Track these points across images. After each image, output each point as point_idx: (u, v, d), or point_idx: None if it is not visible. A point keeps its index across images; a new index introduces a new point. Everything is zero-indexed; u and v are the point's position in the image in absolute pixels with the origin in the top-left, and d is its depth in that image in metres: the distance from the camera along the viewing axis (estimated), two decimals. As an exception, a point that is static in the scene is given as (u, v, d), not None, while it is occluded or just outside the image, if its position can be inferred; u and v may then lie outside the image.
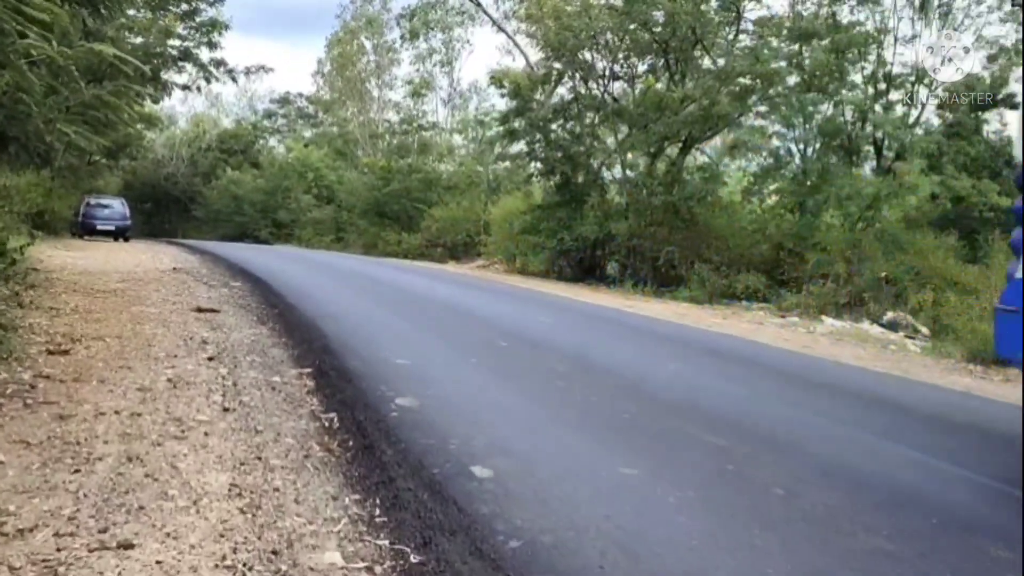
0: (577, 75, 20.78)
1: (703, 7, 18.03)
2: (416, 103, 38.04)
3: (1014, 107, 18.79)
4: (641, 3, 17.64)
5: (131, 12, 21.29)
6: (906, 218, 17.85)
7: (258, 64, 37.63)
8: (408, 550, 2.99)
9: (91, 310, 8.01)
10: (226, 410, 4.77)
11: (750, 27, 18.97)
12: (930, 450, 4.69)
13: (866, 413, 5.90)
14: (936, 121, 19.82)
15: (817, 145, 18.22)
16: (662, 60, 19.37)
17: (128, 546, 2.89)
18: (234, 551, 2.92)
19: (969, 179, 18.19)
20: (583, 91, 20.87)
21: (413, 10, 34.95)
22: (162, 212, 44.57)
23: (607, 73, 20.34)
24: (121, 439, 4.07)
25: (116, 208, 26.82)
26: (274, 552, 2.94)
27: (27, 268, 10.30)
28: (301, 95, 48.70)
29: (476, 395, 5.45)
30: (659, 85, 19.75)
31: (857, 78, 17.81)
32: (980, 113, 20.04)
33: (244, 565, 2.81)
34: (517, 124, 21.48)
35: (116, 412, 4.53)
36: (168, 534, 3.02)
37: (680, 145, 19.16)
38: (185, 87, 26.64)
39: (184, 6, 23.29)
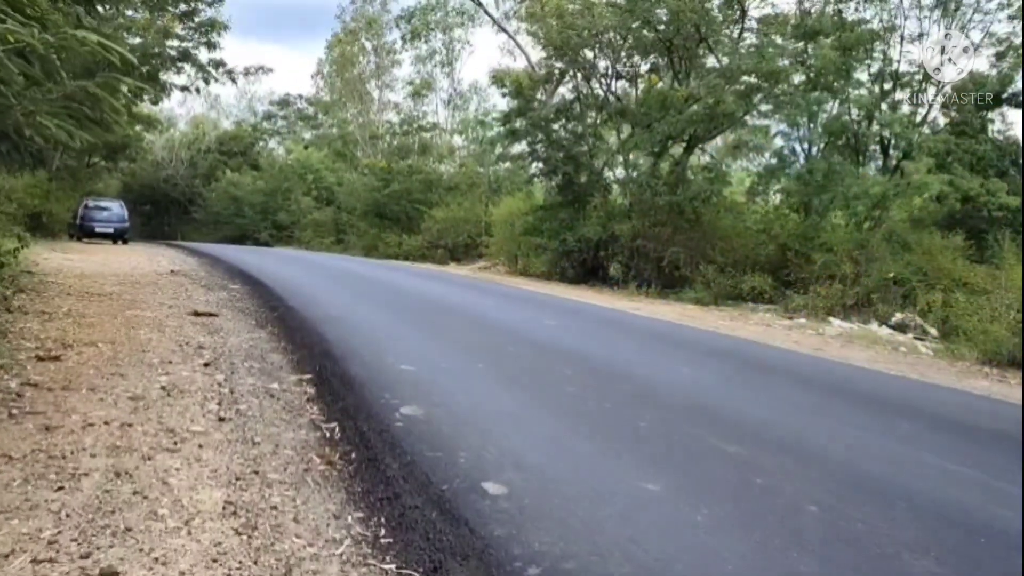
0: (579, 74, 20.56)
1: (707, 4, 17.79)
2: (416, 104, 37.85)
3: (1018, 106, 18.58)
4: (645, 1, 17.40)
5: (129, 12, 21.07)
6: (911, 218, 17.62)
7: (257, 65, 37.30)
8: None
9: (85, 314, 7.77)
10: (222, 420, 4.54)
11: (754, 25, 18.74)
12: (963, 460, 4.45)
13: (890, 420, 5.66)
14: (942, 120, 19.59)
15: (822, 144, 17.99)
16: (665, 59, 19.12)
17: (112, 574, 2.65)
18: (227, 578, 2.69)
19: (976, 178, 17.94)
20: (585, 90, 20.64)
21: (412, 11, 34.76)
22: (162, 214, 44.36)
23: (610, 72, 20.12)
24: (109, 452, 3.84)
25: (115, 210, 26.59)
26: (271, 579, 2.71)
27: (20, 271, 10.08)
28: (301, 96, 48.52)
29: (484, 403, 5.20)
30: (661, 84, 19.52)
31: (863, 76, 17.59)
32: (986, 112, 19.81)
33: (238, 595, 2.58)
34: (519, 124, 21.26)
35: (106, 423, 4.30)
36: (156, 559, 2.79)
37: (684, 145, 18.91)
38: (184, 88, 26.29)
39: (183, 6, 23.01)
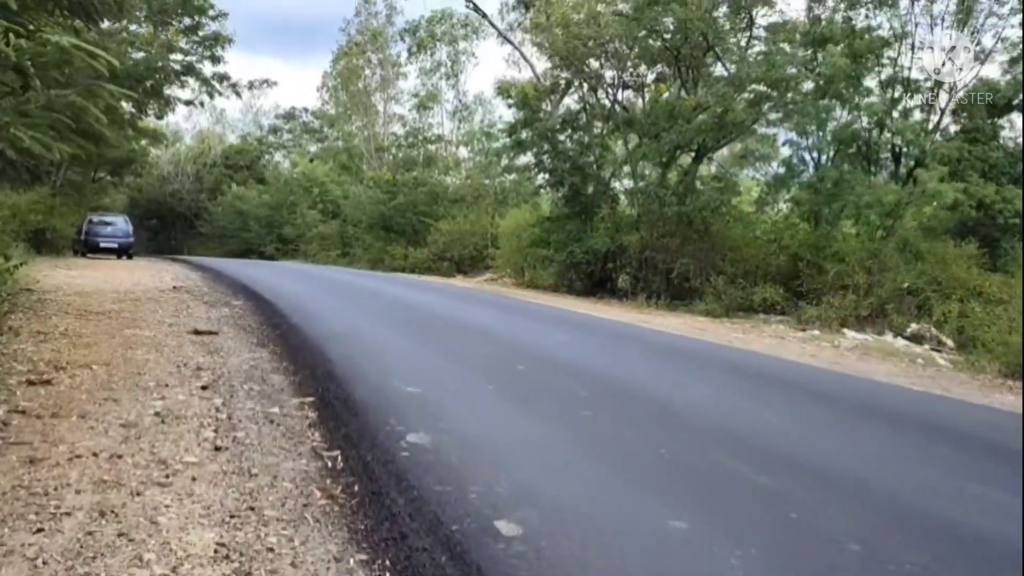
0: (585, 84, 20.36)
1: (715, 13, 17.59)
2: (422, 116, 37.74)
3: (1024, 111, 18.31)
4: (651, 10, 17.21)
5: (133, 27, 21.04)
6: (921, 226, 17.32)
7: (262, 78, 37.33)
8: (426, 633, 2.50)
9: (81, 334, 7.54)
10: (218, 449, 4.28)
11: (762, 33, 18.52)
12: (1014, 488, 4.13)
13: (926, 442, 5.37)
14: (953, 127, 19.31)
15: (832, 152, 17.72)
16: (673, 68, 18.92)
17: (87, 634, 2.40)
18: (216, 639, 2.43)
19: (990, 185, 17.65)
20: (591, 101, 20.44)
21: (416, 24, 34.74)
22: (167, 229, 44.31)
23: (616, 82, 19.92)
24: (96, 488, 3.59)
25: (119, 225, 26.47)
26: (264, 639, 2.45)
27: (19, 289, 9.88)
28: (306, 110, 48.54)
29: (495, 429, 4.94)
30: (668, 93, 19.31)
31: (873, 84, 17.33)
32: (996, 119, 19.53)
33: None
34: (524, 135, 21.08)
35: (94, 454, 4.05)
36: (138, 615, 2.53)
37: (693, 154, 18.67)
38: (189, 102, 26.31)
39: (187, 20, 22.97)
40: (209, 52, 24.59)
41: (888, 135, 16.96)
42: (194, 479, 3.80)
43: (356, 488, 3.78)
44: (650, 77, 20.06)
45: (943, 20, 16.58)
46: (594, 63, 19.74)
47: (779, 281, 16.17)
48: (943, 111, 17.40)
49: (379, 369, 6.50)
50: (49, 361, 6.16)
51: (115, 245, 25.40)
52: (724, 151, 22.91)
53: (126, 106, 19.06)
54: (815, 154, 18.09)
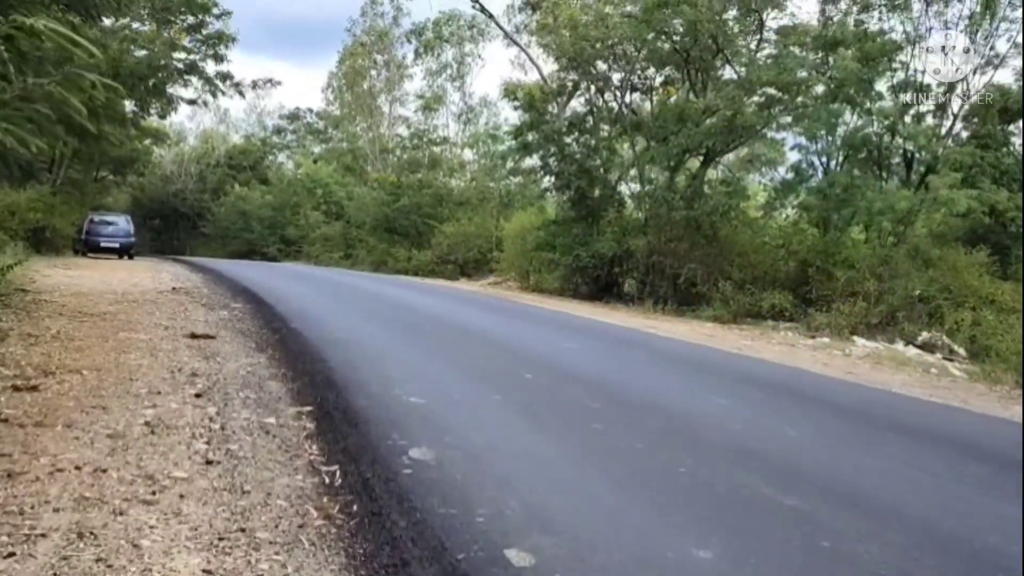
0: (592, 87, 20.14)
1: (725, 15, 17.35)
2: (427, 118, 37.55)
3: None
4: (660, 11, 16.98)
5: (135, 25, 20.85)
6: (931, 233, 17.05)
7: (265, 78, 37.11)
8: None
9: (74, 337, 7.31)
10: (209, 463, 4.04)
11: (772, 36, 18.28)
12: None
13: (955, 460, 5.10)
14: (964, 133, 19.04)
15: (841, 157, 17.46)
16: (682, 70, 18.68)
17: None
18: None
19: (1002, 192, 17.38)
20: (599, 103, 20.22)
21: (421, 26, 34.57)
22: (170, 229, 44.13)
23: (624, 84, 19.69)
24: (76, 506, 3.34)
25: (120, 225, 26.28)
26: None
27: (13, 290, 9.67)
28: (311, 111, 48.35)
29: (503, 444, 4.68)
30: (675, 98, 19.09)
31: (884, 88, 17.06)
32: (1007, 124, 19.26)
33: None
34: (531, 137, 20.87)
35: (77, 467, 3.81)
36: (111, 656, 2.28)
37: (701, 158, 18.43)
38: (192, 101, 26.16)
39: (190, 19, 22.78)
40: (212, 51, 24.41)
41: (899, 140, 16.70)
42: (182, 496, 3.56)
43: (355, 508, 3.53)
44: (658, 80, 19.84)
45: (956, 24, 16.34)
46: (602, 65, 19.53)
47: (788, 287, 15.92)
48: (955, 116, 17.14)
49: (381, 377, 6.25)
50: (38, 365, 5.93)
51: (116, 245, 25.21)
52: (731, 155, 22.69)
53: (129, 104, 18.88)
54: (824, 159, 17.85)
